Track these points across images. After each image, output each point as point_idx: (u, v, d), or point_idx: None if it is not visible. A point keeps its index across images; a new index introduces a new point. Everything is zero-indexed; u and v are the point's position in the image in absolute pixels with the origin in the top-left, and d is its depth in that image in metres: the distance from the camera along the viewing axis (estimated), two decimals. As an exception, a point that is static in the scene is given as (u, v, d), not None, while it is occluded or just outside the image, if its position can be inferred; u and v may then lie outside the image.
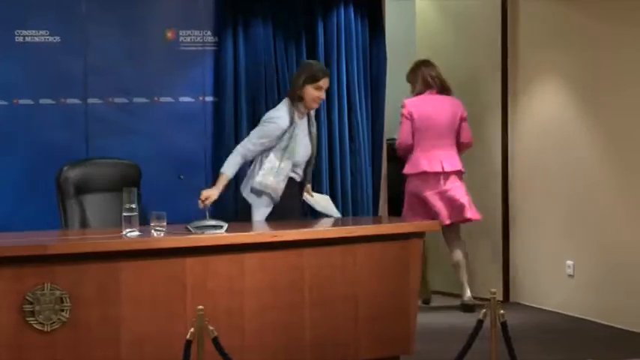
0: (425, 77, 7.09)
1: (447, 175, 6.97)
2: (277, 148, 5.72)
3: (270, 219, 5.71)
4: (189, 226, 4.81)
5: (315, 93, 5.73)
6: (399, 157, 7.24)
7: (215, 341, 4.15)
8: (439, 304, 7.38)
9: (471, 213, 6.99)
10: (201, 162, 6.69)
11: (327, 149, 6.97)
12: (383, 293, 5.15)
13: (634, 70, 6.29)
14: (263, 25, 6.79)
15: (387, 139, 7.31)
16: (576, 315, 6.78)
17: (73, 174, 5.59)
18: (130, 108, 6.57)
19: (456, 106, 7.09)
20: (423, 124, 6.98)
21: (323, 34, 6.95)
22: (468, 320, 5.92)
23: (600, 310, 6.57)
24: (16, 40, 6.29)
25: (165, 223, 4.73)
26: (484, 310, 4.42)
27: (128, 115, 6.56)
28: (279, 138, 5.71)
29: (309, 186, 6.03)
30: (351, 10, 7.02)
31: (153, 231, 4.71)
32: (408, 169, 7.05)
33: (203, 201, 5.49)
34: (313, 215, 6.16)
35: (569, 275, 6.87)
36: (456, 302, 7.20)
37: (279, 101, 6.80)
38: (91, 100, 6.47)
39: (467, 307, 6.95)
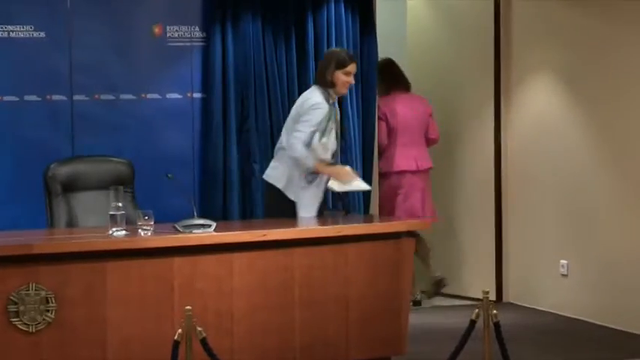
0: (391, 77, 7.33)
1: (419, 172, 7.21)
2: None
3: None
4: (176, 225, 4.80)
5: (344, 78, 5.85)
6: None
7: (203, 342, 4.14)
8: (429, 304, 7.39)
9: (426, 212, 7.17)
10: (189, 160, 6.68)
11: (317, 147, 6.97)
12: (374, 293, 5.15)
13: (627, 67, 6.31)
14: (252, 20, 6.78)
15: None
16: (570, 315, 6.79)
17: (60, 172, 5.56)
18: (117, 105, 6.56)
19: (424, 104, 7.36)
20: (398, 123, 7.18)
21: (313, 30, 6.95)
22: (461, 321, 5.91)
23: (595, 310, 6.58)
24: (0, 36, 6.27)
25: (152, 222, 4.73)
26: (477, 311, 4.42)
27: (115, 112, 6.54)
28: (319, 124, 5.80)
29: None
30: (342, 5, 7.01)
31: (140, 230, 4.70)
32: (383, 168, 7.18)
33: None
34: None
35: (563, 275, 6.88)
36: (451, 302, 7.22)
37: (269, 98, 6.82)
38: (76, 97, 6.45)
39: (438, 283, 7.06)
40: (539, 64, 7.11)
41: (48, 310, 4.37)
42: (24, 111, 6.33)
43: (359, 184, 5.90)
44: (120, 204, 4.70)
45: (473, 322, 4.43)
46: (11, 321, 4.30)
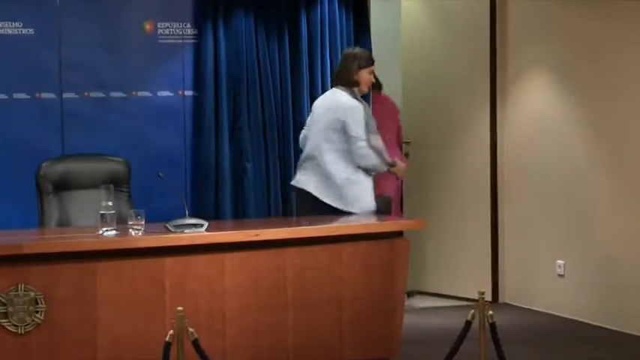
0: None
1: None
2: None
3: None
4: (168, 225, 4.80)
5: (368, 77, 6.00)
6: None
7: (195, 343, 4.14)
8: (425, 304, 7.40)
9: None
10: (180, 158, 6.69)
11: (311, 146, 6.97)
12: (368, 294, 5.15)
13: (624, 65, 6.32)
14: (244, 17, 6.78)
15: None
16: (567, 316, 6.80)
17: (51, 170, 5.53)
18: (107, 103, 6.56)
19: (395, 105, 7.47)
20: (381, 124, 7.22)
21: (306, 27, 6.95)
22: (456, 321, 5.92)
23: (591, 310, 6.60)
24: (-11, 32, 6.28)
25: (143, 222, 4.72)
26: (472, 311, 4.43)
27: (105, 110, 6.54)
28: None
29: None
30: (336, 3, 7.02)
31: (131, 230, 4.70)
32: None
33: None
34: None
35: (560, 275, 6.89)
36: (446, 303, 7.23)
37: (261, 96, 6.82)
38: (66, 95, 6.45)
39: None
40: (535, 62, 7.12)
41: (37, 311, 4.36)
42: (13, 109, 6.33)
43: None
44: (110, 203, 4.69)
45: (468, 323, 4.43)
46: (0, 322, 4.30)
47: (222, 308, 4.76)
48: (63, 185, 5.55)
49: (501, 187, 7.44)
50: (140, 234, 4.67)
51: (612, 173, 6.45)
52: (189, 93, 6.75)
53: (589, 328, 6.49)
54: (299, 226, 5.42)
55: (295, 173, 6.13)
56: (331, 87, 6.17)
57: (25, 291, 4.33)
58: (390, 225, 5.41)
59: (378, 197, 6.06)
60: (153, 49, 6.65)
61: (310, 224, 5.26)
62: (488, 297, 7.25)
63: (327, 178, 5.86)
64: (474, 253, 7.54)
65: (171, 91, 6.71)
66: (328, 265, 5.04)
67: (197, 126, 6.73)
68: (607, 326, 6.42)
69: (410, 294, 7.33)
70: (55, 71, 6.41)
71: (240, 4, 6.77)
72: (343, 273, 5.08)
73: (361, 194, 5.85)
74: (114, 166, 5.73)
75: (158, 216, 5.03)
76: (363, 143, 5.81)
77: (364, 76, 5.97)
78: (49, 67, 6.40)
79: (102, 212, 4.67)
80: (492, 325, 4.41)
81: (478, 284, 6.77)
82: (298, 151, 6.93)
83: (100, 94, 6.54)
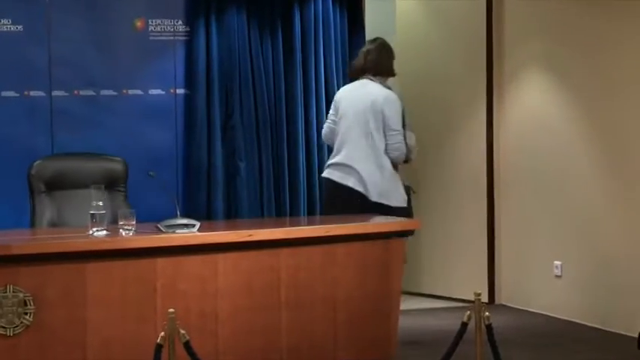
0: None
1: None
2: None
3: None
4: (159, 225, 4.79)
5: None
6: None
7: (187, 345, 4.13)
8: (419, 306, 7.40)
9: None
10: (172, 157, 6.68)
11: (305, 143, 6.97)
12: (363, 295, 5.15)
13: (621, 63, 6.32)
14: (237, 13, 6.78)
15: None
16: (564, 317, 6.80)
17: (43, 170, 5.50)
18: (97, 101, 6.55)
19: None
20: None
21: (300, 25, 6.95)
22: (452, 323, 5.91)
23: (589, 311, 6.60)
24: (-23, 29, 6.27)
25: (134, 222, 4.71)
26: (468, 313, 4.42)
27: (95, 108, 6.53)
28: None
29: None
30: (329, 0, 7.02)
31: (121, 230, 4.69)
32: None
33: None
34: None
35: (557, 276, 6.90)
36: (442, 304, 7.23)
37: (254, 94, 6.82)
38: (55, 93, 6.43)
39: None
40: (531, 61, 7.12)
41: (26, 313, 4.35)
42: (1, 107, 6.33)
43: None
44: (101, 203, 4.67)
45: (464, 325, 4.43)
46: (-12, 324, 4.29)
47: (214, 309, 4.75)
48: (57, 184, 5.52)
49: (498, 186, 7.43)
50: (131, 234, 4.66)
51: (610, 173, 6.45)
52: (180, 91, 6.74)
53: (586, 330, 6.49)
54: (293, 226, 5.42)
55: (329, 168, 6.09)
56: (355, 78, 6.17)
57: (13, 292, 4.32)
58: (385, 225, 5.40)
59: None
60: (144, 46, 6.64)
61: (304, 224, 5.25)
62: (485, 298, 7.24)
63: (370, 173, 5.92)
64: (470, 253, 7.54)
65: (163, 89, 6.70)
66: (322, 266, 5.03)
67: (189, 124, 6.73)
68: (606, 328, 6.42)
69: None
70: (44, 69, 6.40)
71: (233, 0, 6.76)
72: (338, 273, 5.07)
73: (399, 187, 5.99)
74: (111, 165, 5.70)
75: (149, 216, 5.02)
76: (401, 137, 5.95)
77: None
78: (38, 64, 6.39)
79: (92, 212, 4.66)
80: (489, 327, 4.40)
81: (474, 285, 6.78)
82: (292, 149, 6.95)
83: (90, 92, 6.53)
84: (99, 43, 6.53)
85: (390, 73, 6.17)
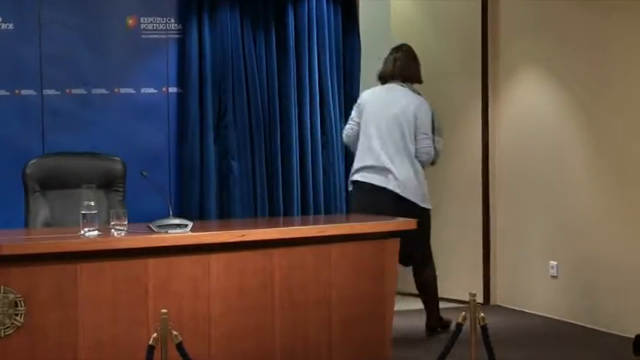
0: None
1: None
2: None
3: None
4: (151, 225, 4.78)
5: None
6: None
7: (179, 347, 4.13)
8: (414, 307, 7.40)
9: None
10: (164, 157, 6.67)
11: (298, 143, 6.97)
12: (357, 296, 5.15)
13: (617, 61, 6.33)
14: (230, 11, 6.78)
15: None
16: (560, 318, 6.81)
17: (37, 169, 5.45)
18: (89, 100, 6.54)
19: None
20: None
21: (293, 23, 6.95)
22: (447, 324, 5.96)
23: (585, 312, 6.61)
24: (-33, 27, 6.26)
25: (126, 222, 4.71)
26: (463, 313, 4.43)
27: (86, 107, 6.53)
28: None
29: None
30: (323, -1, 7.04)
31: (113, 230, 4.68)
32: None
33: None
34: None
35: (553, 276, 6.90)
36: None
37: (247, 93, 6.81)
38: (46, 92, 6.43)
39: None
40: (526, 59, 7.13)
41: (17, 314, 4.34)
42: (-8, 106, 6.32)
43: None
44: (92, 203, 4.66)
45: (459, 326, 4.43)
46: (-22, 325, 4.28)
47: (207, 310, 4.75)
48: (52, 184, 5.49)
49: (493, 186, 7.44)
50: (123, 234, 4.65)
51: (606, 172, 6.46)
52: (173, 90, 6.74)
53: (582, 331, 6.50)
54: (286, 226, 5.42)
55: (362, 172, 6.19)
56: (384, 83, 6.33)
57: (4, 293, 4.31)
58: (379, 225, 5.41)
59: None
60: (136, 44, 6.63)
61: (297, 224, 5.25)
62: (480, 299, 7.26)
63: (407, 177, 6.08)
64: (465, 254, 7.55)
65: (155, 88, 6.70)
66: (316, 266, 5.03)
67: (181, 124, 6.72)
68: (601, 329, 6.43)
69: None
70: (35, 67, 6.39)
71: (226, -2, 6.77)
72: (332, 274, 5.07)
73: (426, 188, 6.22)
74: (109, 165, 5.66)
75: (141, 216, 5.02)
76: (430, 141, 6.15)
77: None
78: (29, 62, 6.38)
79: (83, 212, 4.65)
80: (484, 328, 4.41)
81: (469, 286, 6.79)
82: (285, 149, 6.94)
83: (82, 91, 6.52)
84: (90, 42, 6.52)
85: (418, 79, 6.36)
